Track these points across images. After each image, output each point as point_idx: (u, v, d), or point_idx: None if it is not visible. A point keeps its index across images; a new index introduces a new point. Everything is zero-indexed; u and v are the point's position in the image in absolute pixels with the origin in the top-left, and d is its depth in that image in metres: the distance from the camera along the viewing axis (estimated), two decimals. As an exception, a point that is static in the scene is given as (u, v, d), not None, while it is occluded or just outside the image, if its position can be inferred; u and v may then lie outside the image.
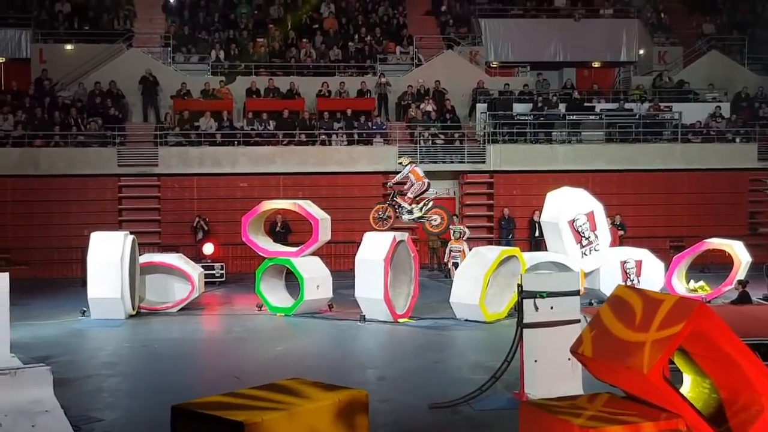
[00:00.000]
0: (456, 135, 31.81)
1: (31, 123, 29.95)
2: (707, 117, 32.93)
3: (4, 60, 33.30)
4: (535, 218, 27.80)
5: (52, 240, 28.57)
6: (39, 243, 28.54)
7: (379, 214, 21.83)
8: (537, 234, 27.69)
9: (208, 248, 27.57)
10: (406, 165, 21.73)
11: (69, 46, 33.05)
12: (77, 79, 32.00)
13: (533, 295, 13.27)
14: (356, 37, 34.93)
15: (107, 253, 21.01)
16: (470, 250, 22.72)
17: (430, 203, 21.81)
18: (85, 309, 21.32)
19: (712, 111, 33.02)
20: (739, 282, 20.49)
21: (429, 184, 21.82)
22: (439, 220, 21.55)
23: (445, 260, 23.11)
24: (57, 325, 20.48)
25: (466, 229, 25.48)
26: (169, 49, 33.47)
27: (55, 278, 27.86)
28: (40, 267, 28.38)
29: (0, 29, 32.98)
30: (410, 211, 21.50)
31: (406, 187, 21.64)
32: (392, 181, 22.01)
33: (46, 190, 29.18)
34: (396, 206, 21.73)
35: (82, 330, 20.14)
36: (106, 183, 29.72)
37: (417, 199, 21.69)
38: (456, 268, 22.43)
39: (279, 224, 27.70)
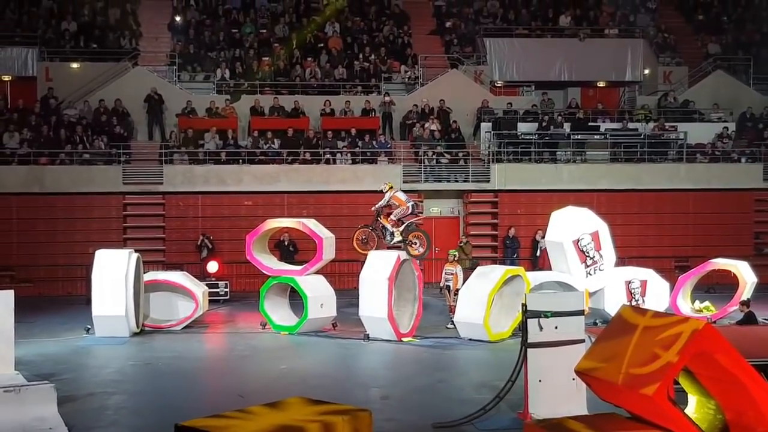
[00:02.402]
0: (460, 154, 31.83)
1: (36, 141, 30.01)
2: (714, 137, 32.93)
3: (10, 78, 33.38)
4: (537, 238, 27.80)
5: (56, 257, 28.61)
6: (44, 260, 28.57)
7: (362, 238, 22.09)
8: (538, 254, 27.71)
9: (213, 266, 27.55)
10: (387, 191, 22.03)
11: (75, 65, 33.15)
12: (83, 98, 32.09)
13: (537, 314, 13.26)
14: (361, 56, 35.02)
15: (112, 271, 21.03)
16: (462, 273, 22.67)
17: (412, 226, 21.91)
18: (89, 326, 21.34)
19: (719, 131, 33.00)
20: (743, 302, 20.44)
21: (413, 207, 22.19)
22: (418, 244, 21.60)
23: (442, 284, 23.09)
24: (61, 343, 20.49)
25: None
26: (175, 67, 33.58)
27: (60, 296, 27.87)
28: (45, 284, 28.40)
29: (6, 47, 33.08)
30: (392, 234, 21.70)
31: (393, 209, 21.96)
32: (376, 206, 22.24)
33: (51, 208, 29.23)
34: (380, 229, 21.95)
35: (87, 347, 20.15)
36: (111, 201, 29.74)
37: (402, 221, 21.88)
38: (448, 290, 22.33)
39: (287, 241, 27.72)
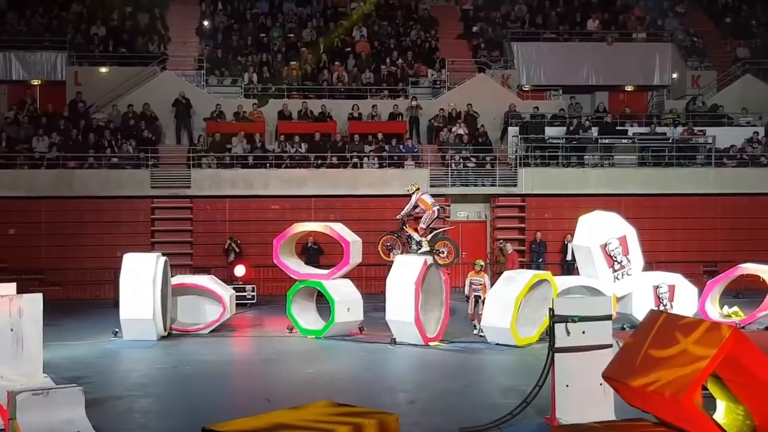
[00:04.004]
0: (488, 158, 31.77)
1: (65, 145, 30.24)
2: (744, 141, 32.70)
3: (40, 82, 33.68)
4: (567, 242, 27.68)
5: (85, 261, 28.79)
6: (72, 264, 28.76)
7: (387, 245, 21.90)
8: (569, 258, 27.55)
9: (240, 270, 27.65)
10: (413, 192, 21.58)
11: (104, 69, 33.42)
12: (111, 102, 32.31)
13: (565, 319, 13.19)
14: (388, 60, 35.06)
15: (139, 275, 21.11)
16: (490, 281, 22.48)
17: (440, 235, 21.62)
18: (117, 330, 21.44)
19: (749, 136, 32.78)
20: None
21: (439, 210, 21.83)
22: (446, 253, 21.22)
23: (467, 293, 22.77)
24: (89, 346, 20.60)
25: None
26: (203, 72, 33.76)
27: (88, 299, 28.06)
28: (73, 288, 28.61)
29: (36, 52, 33.40)
30: (419, 243, 21.35)
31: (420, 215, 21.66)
32: (402, 213, 21.77)
33: (80, 212, 29.44)
34: (405, 237, 21.69)
35: (114, 351, 20.25)
36: (139, 204, 29.91)
37: (430, 228, 21.49)
38: (477, 301, 22.06)
39: (311, 245, 27.77)
